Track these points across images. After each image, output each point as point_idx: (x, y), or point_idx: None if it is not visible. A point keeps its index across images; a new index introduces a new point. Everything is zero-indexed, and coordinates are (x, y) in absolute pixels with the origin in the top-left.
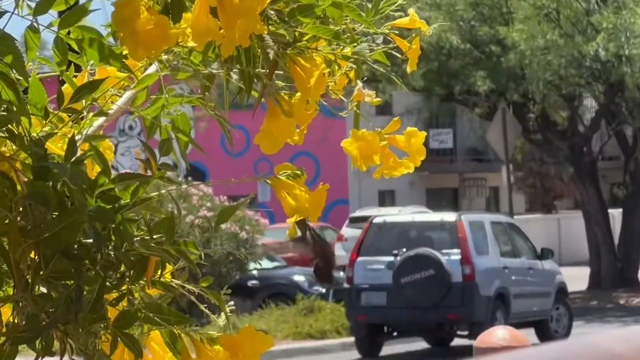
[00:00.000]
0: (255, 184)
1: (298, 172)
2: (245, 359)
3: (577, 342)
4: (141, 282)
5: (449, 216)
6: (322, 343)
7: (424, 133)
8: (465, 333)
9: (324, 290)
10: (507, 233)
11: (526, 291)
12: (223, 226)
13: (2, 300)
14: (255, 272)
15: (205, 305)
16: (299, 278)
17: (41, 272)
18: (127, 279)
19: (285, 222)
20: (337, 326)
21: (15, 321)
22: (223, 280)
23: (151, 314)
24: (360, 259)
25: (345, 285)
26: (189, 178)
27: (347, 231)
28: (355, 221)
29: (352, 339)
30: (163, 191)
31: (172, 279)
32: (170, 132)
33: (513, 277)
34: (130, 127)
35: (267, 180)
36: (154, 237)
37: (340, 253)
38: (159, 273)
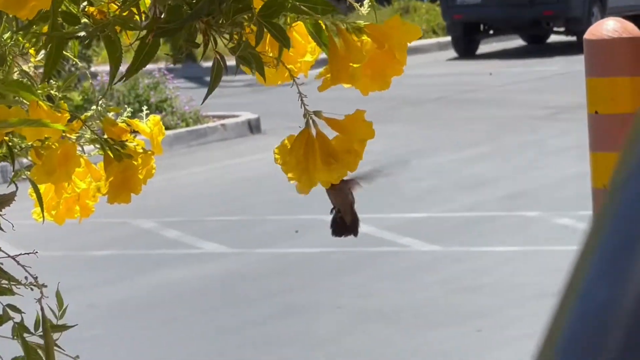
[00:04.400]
0: None
1: None
2: (392, 50)
3: None
4: None
5: None
6: (418, 43)
7: None
8: (562, 29)
9: None
10: None
11: None
12: None
13: None
14: None
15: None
16: None
17: None
18: None
19: None
20: (432, 26)
21: (157, 14)
22: None
23: (298, 3)
24: None
25: None
26: None
27: None
28: None
29: (448, 38)
30: None
31: None
32: None
33: None
34: None
35: None
36: None
37: None
38: None
